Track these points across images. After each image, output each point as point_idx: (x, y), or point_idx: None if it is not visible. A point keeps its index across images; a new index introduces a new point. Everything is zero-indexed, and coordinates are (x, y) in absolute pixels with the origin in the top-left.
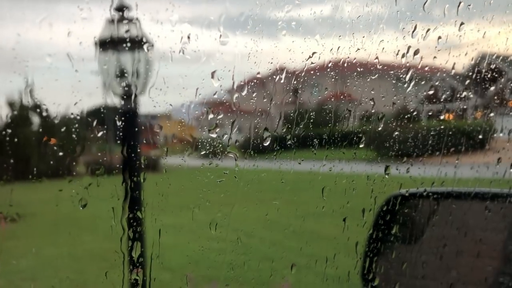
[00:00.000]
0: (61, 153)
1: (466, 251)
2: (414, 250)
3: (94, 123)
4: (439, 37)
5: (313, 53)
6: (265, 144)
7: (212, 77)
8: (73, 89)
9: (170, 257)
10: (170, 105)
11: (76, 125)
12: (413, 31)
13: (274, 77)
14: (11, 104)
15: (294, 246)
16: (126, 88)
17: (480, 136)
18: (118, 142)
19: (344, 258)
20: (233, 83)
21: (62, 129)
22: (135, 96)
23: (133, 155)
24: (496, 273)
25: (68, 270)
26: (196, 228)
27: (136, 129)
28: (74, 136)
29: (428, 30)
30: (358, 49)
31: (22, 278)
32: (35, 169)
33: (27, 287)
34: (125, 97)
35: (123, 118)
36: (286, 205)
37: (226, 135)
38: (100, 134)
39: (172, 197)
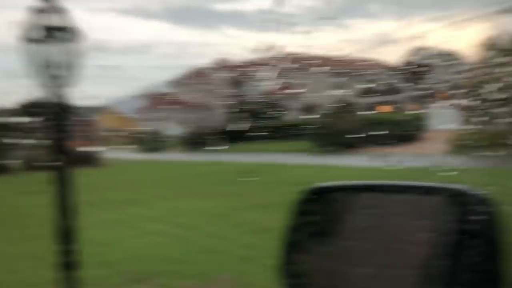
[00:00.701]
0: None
1: (387, 243)
2: (333, 244)
3: (26, 116)
4: (375, 32)
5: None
6: (196, 138)
7: (150, 68)
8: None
9: (106, 252)
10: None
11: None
12: (348, 26)
13: (209, 69)
14: None
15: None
16: (55, 80)
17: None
18: (48, 135)
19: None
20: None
21: None
22: (64, 88)
23: (63, 149)
24: (419, 266)
25: None
26: (134, 223)
27: (67, 122)
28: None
29: (364, 24)
30: (294, 43)
31: None
32: None
33: None
34: (54, 89)
35: (53, 112)
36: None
37: (159, 128)
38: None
39: (108, 191)
